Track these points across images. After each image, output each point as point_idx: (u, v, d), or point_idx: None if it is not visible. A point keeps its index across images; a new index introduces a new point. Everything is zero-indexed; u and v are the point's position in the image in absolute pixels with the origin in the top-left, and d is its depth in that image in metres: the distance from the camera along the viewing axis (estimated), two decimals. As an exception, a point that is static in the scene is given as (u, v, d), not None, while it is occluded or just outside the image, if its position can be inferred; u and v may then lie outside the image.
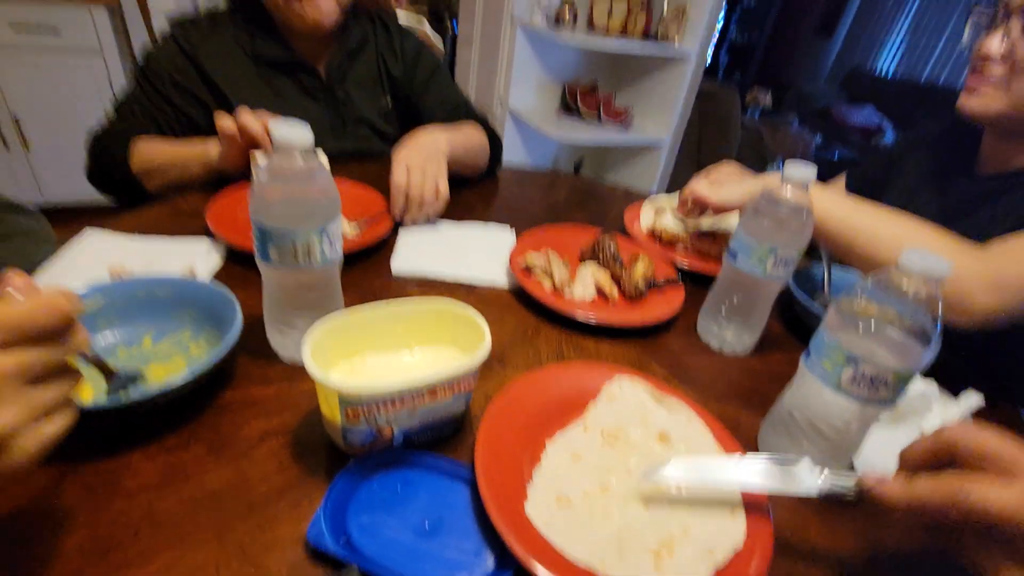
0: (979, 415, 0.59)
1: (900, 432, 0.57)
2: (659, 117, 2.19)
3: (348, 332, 0.45)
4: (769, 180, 0.72)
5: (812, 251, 0.73)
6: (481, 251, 0.78)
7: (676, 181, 2.32)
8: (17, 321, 0.27)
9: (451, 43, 2.71)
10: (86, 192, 2.30)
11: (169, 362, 0.50)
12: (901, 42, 5.01)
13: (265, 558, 0.36)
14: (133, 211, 0.76)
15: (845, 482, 0.38)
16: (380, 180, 0.85)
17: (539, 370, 0.53)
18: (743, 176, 0.80)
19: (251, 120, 0.73)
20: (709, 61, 2.17)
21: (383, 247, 0.76)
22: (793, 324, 0.75)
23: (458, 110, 1.07)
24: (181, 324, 0.52)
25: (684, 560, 0.38)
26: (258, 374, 0.51)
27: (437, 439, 0.47)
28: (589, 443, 0.47)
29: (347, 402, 0.38)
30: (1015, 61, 0.64)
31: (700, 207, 0.79)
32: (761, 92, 4.09)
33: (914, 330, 0.41)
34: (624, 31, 2.01)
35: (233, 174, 0.82)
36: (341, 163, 0.98)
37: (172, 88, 0.89)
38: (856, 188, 0.96)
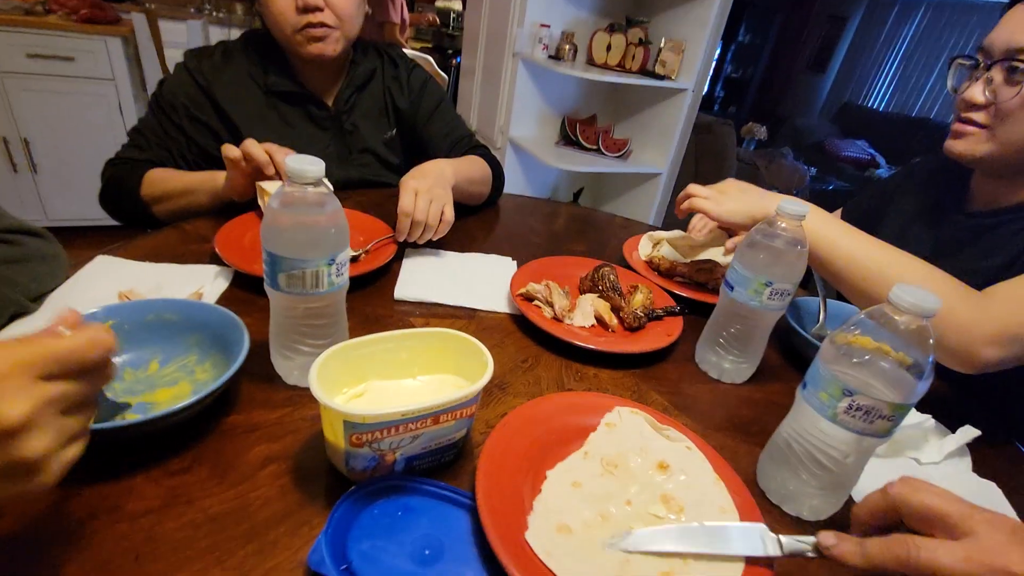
0: (977, 449, 0.59)
1: (898, 466, 0.58)
2: (657, 148, 2.24)
3: (353, 359, 0.46)
4: (770, 204, 0.72)
5: (808, 283, 0.74)
6: (483, 279, 0.79)
7: (673, 211, 2.36)
8: (65, 355, 0.29)
9: (454, 77, 2.79)
10: (89, 214, 2.32)
11: (175, 386, 0.50)
12: (892, 78, 5.16)
13: (266, 584, 0.36)
14: (142, 237, 0.78)
15: (803, 544, 0.38)
16: (383, 208, 0.87)
17: (540, 399, 0.54)
18: (746, 190, 0.77)
19: (256, 148, 0.75)
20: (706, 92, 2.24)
21: (386, 272, 0.77)
22: (791, 354, 0.75)
23: (461, 141, 1.10)
24: (188, 349, 0.53)
25: (684, 591, 0.38)
26: (262, 399, 0.52)
27: (438, 465, 0.47)
28: (589, 471, 0.47)
29: (352, 427, 0.39)
30: (998, 107, 0.66)
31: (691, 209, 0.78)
32: (756, 125, 4.19)
33: (907, 363, 0.42)
34: (622, 66, 2.08)
35: (239, 202, 0.83)
36: (346, 191, 1.00)
37: (185, 117, 0.91)
38: (852, 221, 0.98)
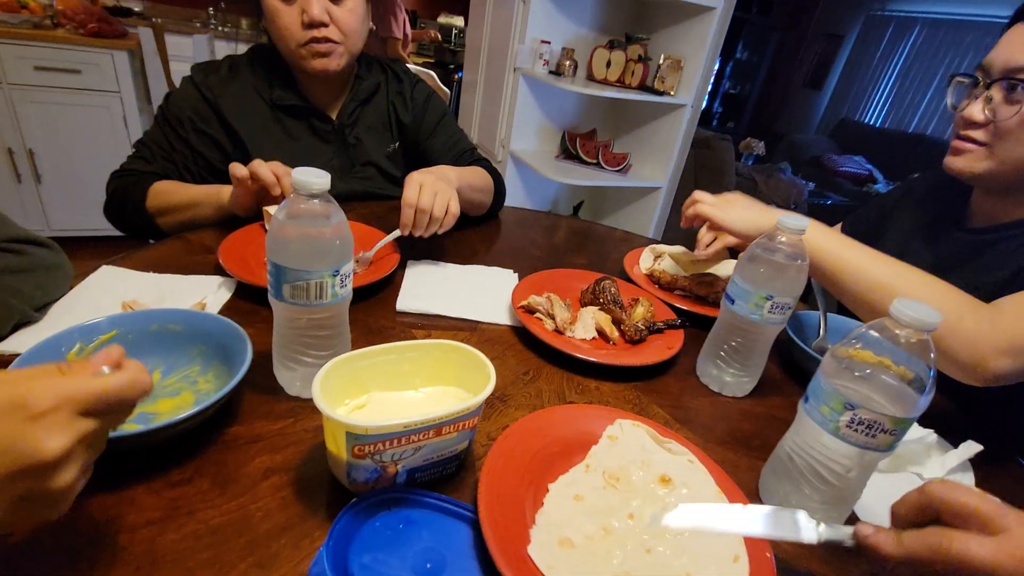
0: (979, 464, 0.59)
1: (900, 481, 0.57)
2: (656, 163, 2.25)
3: (355, 370, 0.46)
4: (773, 218, 0.72)
5: (808, 296, 0.75)
6: (485, 292, 0.79)
7: (673, 224, 2.37)
8: (109, 395, 0.30)
9: (456, 92, 2.82)
10: (91, 224, 2.33)
11: (178, 397, 0.50)
12: (888, 95, 5.22)
13: (266, 598, 0.36)
14: (146, 247, 0.78)
15: (842, 531, 0.38)
16: (386, 220, 0.87)
17: (541, 411, 0.54)
18: (752, 202, 0.77)
19: (263, 169, 0.76)
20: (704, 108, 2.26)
21: (389, 284, 0.78)
22: (791, 368, 0.76)
23: (464, 155, 1.11)
24: (191, 359, 0.53)
25: (687, 606, 0.38)
26: (264, 410, 0.52)
27: (440, 477, 0.47)
28: (591, 485, 0.47)
29: (354, 438, 0.39)
30: (998, 126, 0.67)
31: (702, 220, 0.79)
32: (754, 140, 4.22)
33: (909, 377, 0.42)
34: (622, 82, 2.10)
35: (243, 216, 0.84)
36: (349, 204, 1.01)
37: (191, 130, 0.92)
38: (852, 236, 0.99)
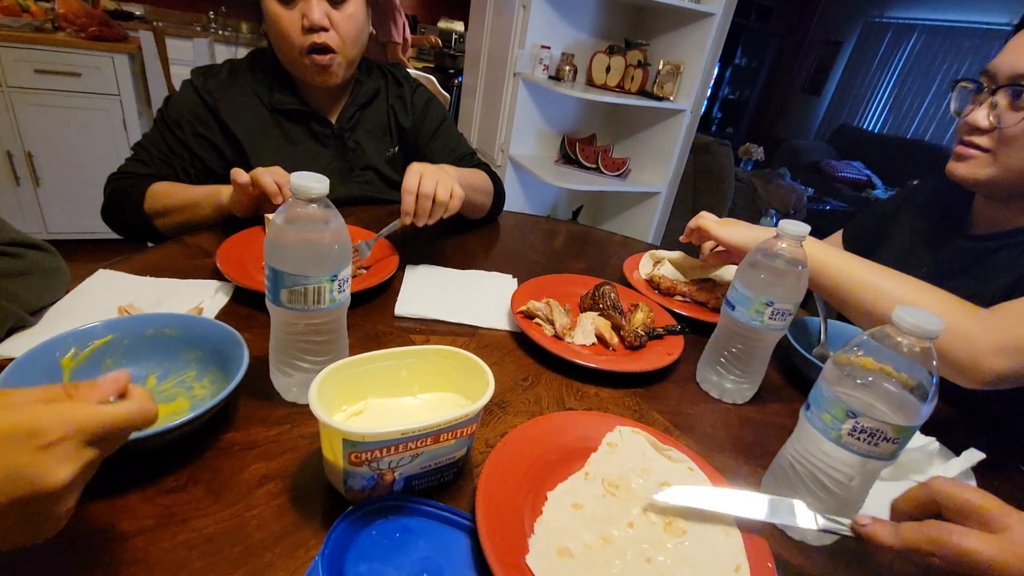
0: (981, 472, 0.59)
1: (902, 489, 0.57)
2: (656, 168, 2.26)
3: (353, 376, 0.45)
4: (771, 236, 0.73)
5: (808, 302, 0.74)
6: (484, 297, 0.79)
7: (672, 229, 2.37)
8: (116, 426, 0.30)
9: (455, 96, 2.83)
10: (89, 227, 2.32)
11: (173, 402, 0.50)
12: (887, 100, 5.24)
13: (260, 608, 0.35)
14: (144, 251, 0.78)
15: (840, 523, 0.40)
16: (384, 224, 0.87)
17: (540, 418, 0.53)
18: (751, 225, 0.80)
19: (266, 178, 0.76)
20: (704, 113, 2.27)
21: (387, 289, 0.77)
22: (792, 374, 0.75)
23: (463, 159, 1.11)
24: (187, 364, 0.53)
25: (688, 618, 0.37)
26: (260, 416, 0.51)
27: (438, 485, 0.46)
28: (590, 493, 0.46)
29: (351, 445, 0.38)
30: (1002, 132, 0.66)
31: (701, 236, 0.81)
32: (754, 146, 4.23)
33: (911, 385, 0.41)
34: (621, 87, 2.11)
35: (241, 218, 0.84)
36: (348, 208, 1.01)
37: (190, 134, 0.92)
38: (852, 242, 0.99)
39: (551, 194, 2.48)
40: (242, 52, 1.02)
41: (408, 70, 1.19)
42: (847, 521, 0.39)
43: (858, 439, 0.42)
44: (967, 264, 0.76)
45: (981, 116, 0.68)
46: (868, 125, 5.40)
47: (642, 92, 2.10)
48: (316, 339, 0.51)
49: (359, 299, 0.72)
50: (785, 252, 0.59)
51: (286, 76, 0.98)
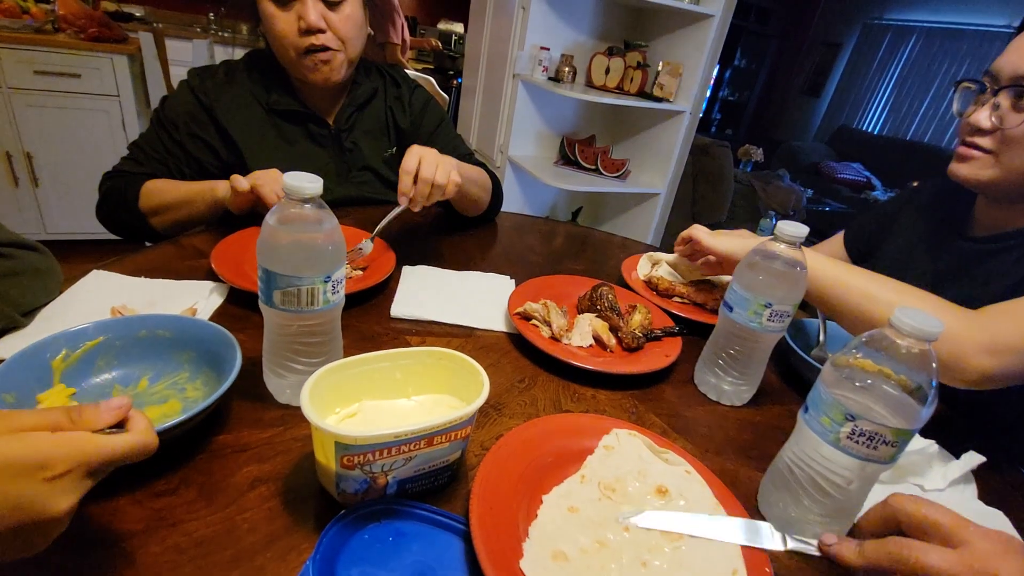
0: (982, 476, 0.58)
1: (902, 492, 0.56)
2: (655, 169, 2.25)
3: (347, 378, 0.45)
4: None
5: (807, 304, 0.74)
6: (480, 298, 0.78)
7: (671, 231, 2.37)
8: (117, 458, 0.32)
9: (455, 97, 2.83)
10: (88, 227, 2.32)
11: (165, 404, 0.49)
12: (886, 102, 5.25)
13: (250, 614, 0.35)
14: (139, 251, 0.77)
15: (807, 543, 0.40)
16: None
17: (536, 420, 0.53)
18: (745, 236, 0.80)
19: (267, 191, 0.76)
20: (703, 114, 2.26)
21: (383, 290, 0.77)
22: (790, 376, 0.75)
23: (462, 160, 1.10)
24: (179, 366, 0.52)
25: (684, 623, 0.37)
26: (252, 418, 0.51)
27: (431, 488, 0.46)
28: (586, 496, 0.46)
29: (343, 448, 0.38)
30: (1004, 133, 0.66)
31: (692, 247, 0.82)
32: (753, 147, 4.23)
33: (910, 387, 0.41)
34: (620, 88, 2.11)
35: (237, 215, 0.84)
36: (345, 208, 1.00)
37: (185, 134, 0.92)
38: (853, 243, 0.98)
39: (550, 195, 2.48)
40: (240, 53, 1.02)
41: (406, 71, 1.18)
42: (814, 541, 0.40)
43: (857, 442, 0.42)
44: (967, 266, 0.75)
45: (983, 117, 0.67)
46: (867, 127, 5.40)
47: (641, 93, 2.10)
48: (310, 340, 0.50)
49: (355, 300, 0.72)
50: (783, 253, 0.58)
51: (283, 77, 0.97)
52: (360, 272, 0.79)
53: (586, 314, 0.75)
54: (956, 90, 0.74)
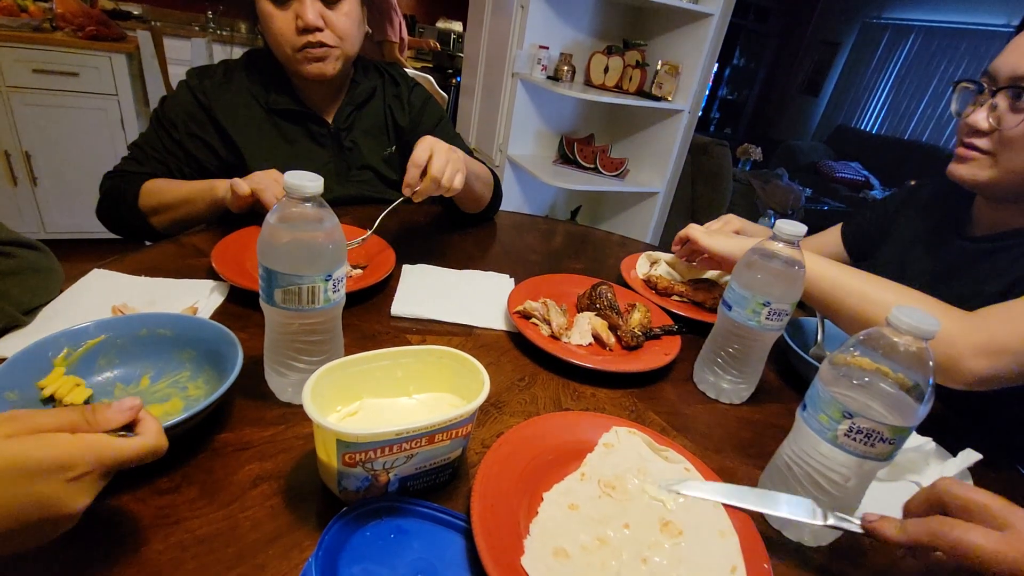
0: (979, 473, 0.59)
1: (899, 490, 0.57)
2: (654, 168, 2.25)
3: (348, 377, 0.45)
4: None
5: (805, 303, 0.74)
6: (480, 297, 0.79)
7: (670, 230, 2.37)
8: (130, 461, 0.33)
9: (454, 96, 2.83)
10: (86, 226, 2.32)
11: (167, 403, 0.49)
12: (884, 101, 5.25)
13: (253, 610, 0.35)
14: (139, 250, 0.77)
15: (849, 520, 0.42)
16: (382, 224, 0.87)
17: (536, 418, 0.53)
18: (742, 238, 0.81)
19: (268, 195, 0.76)
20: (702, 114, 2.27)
21: (384, 289, 0.77)
22: (789, 374, 0.75)
23: (462, 158, 1.10)
24: (180, 365, 0.52)
25: (683, 619, 0.37)
26: (254, 416, 0.51)
27: (432, 486, 0.46)
28: (587, 493, 0.46)
29: (345, 446, 0.38)
30: (1002, 134, 0.66)
31: (689, 248, 0.83)
32: (751, 146, 4.24)
33: (907, 385, 0.41)
34: (619, 87, 2.11)
35: (237, 214, 0.84)
36: (344, 207, 1.00)
37: (184, 134, 0.92)
38: (852, 240, 0.98)
39: (549, 194, 2.48)
40: (239, 52, 1.02)
41: (405, 70, 1.18)
42: (856, 519, 0.41)
43: (854, 440, 0.42)
44: (966, 265, 0.76)
45: (981, 118, 0.67)
46: (866, 126, 5.41)
47: (640, 92, 2.10)
48: (311, 339, 0.50)
49: (355, 299, 0.72)
50: (782, 252, 0.59)
51: (282, 76, 0.97)
52: (360, 271, 0.79)
53: (585, 313, 0.75)
54: (954, 90, 0.74)
